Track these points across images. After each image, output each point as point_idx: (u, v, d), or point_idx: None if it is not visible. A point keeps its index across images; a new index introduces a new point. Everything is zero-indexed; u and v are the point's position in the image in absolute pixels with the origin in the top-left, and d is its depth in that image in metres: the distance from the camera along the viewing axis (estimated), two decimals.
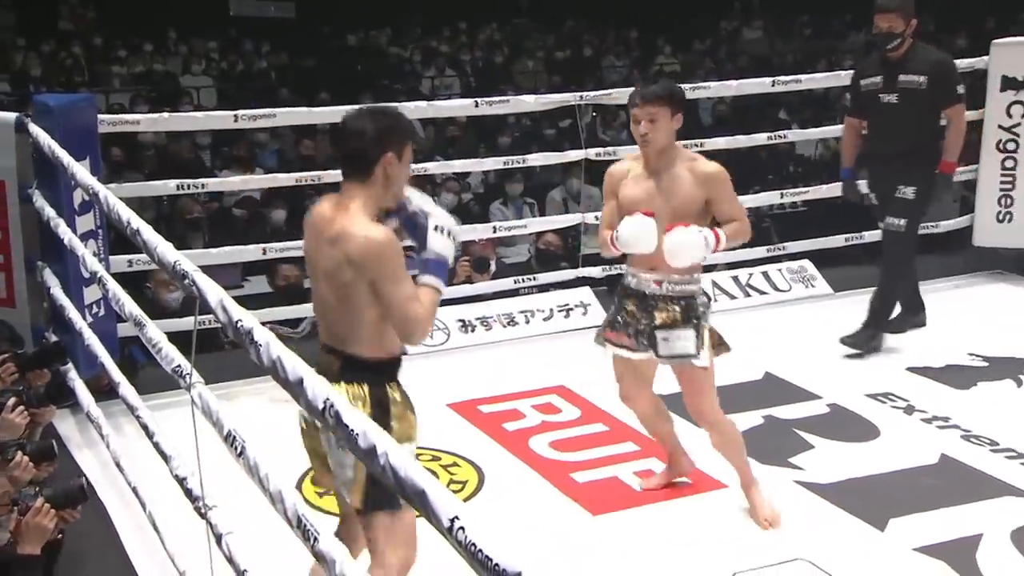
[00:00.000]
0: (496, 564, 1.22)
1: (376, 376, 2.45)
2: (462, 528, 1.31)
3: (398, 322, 2.41)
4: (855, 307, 5.41)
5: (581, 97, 5.48)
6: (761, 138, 6.03)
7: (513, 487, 3.78)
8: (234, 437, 2.23)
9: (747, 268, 5.78)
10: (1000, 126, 5.66)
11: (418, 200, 2.53)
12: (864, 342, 4.83)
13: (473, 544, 1.27)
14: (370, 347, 2.44)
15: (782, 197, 6.23)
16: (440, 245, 2.48)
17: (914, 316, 5.01)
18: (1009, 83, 5.61)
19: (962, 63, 5.89)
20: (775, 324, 5.36)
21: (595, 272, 5.63)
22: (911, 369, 4.68)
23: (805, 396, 4.43)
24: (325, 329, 2.53)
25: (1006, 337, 5.01)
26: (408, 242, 2.54)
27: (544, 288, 5.60)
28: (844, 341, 4.83)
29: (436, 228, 2.48)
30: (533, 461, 3.95)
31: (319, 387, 1.72)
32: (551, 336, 5.29)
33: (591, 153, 5.55)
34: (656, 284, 3.26)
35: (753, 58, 12.52)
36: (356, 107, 2.56)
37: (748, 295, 5.65)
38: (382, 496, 2.39)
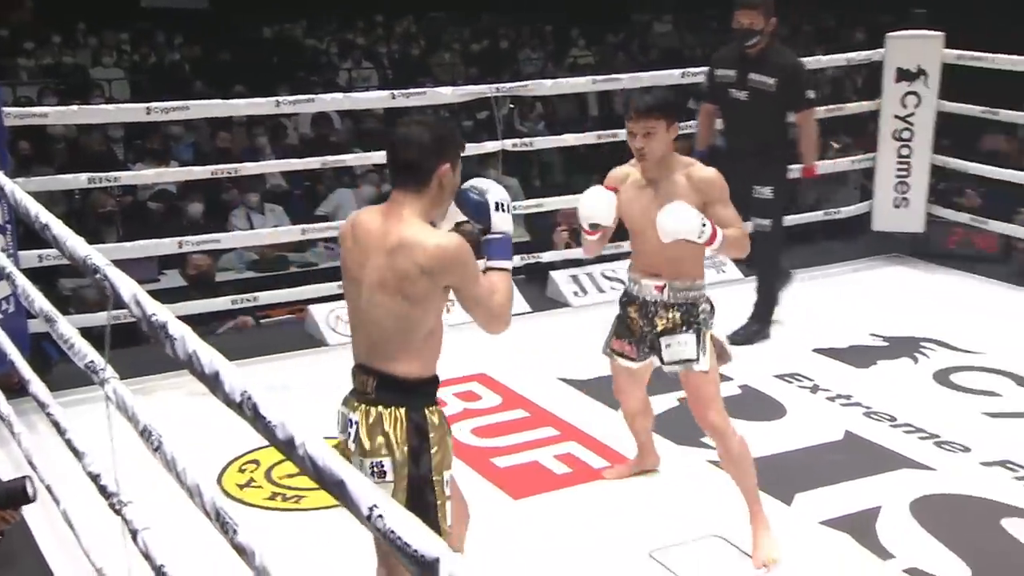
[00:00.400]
0: (415, 550, 1.21)
1: (415, 399, 2.34)
2: (381, 516, 1.30)
3: (484, 319, 2.39)
4: None
5: (497, 89, 5.47)
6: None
7: None
8: (150, 432, 2.18)
9: (620, 261, 5.82)
10: (896, 116, 5.82)
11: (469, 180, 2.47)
12: (751, 337, 4.87)
13: (392, 531, 1.27)
14: (413, 365, 2.33)
15: None
16: (503, 223, 2.43)
17: (763, 320, 4.97)
18: (903, 74, 5.77)
19: (859, 55, 6.06)
20: None
21: (515, 261, 5.61)
22: (817, 350, 4.79)
23: None
24: (363, 346, 2.38)
25: (903, 318, 5.17)
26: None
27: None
28: (732, 338, 4.72)
29: (497, 206, 2.42)
30: (455, 448, 3.93)
31: (235, 379, 1.69)
32: (472, 325, 5.24)
33: (508, 144, 5.54)
34: (657, 290, 3.16)
35: (664, 51, 12.66)
36: (409, 118, 2.46)
37: (614, 289, 5.66)
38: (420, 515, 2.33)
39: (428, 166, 2.32)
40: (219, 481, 3.68)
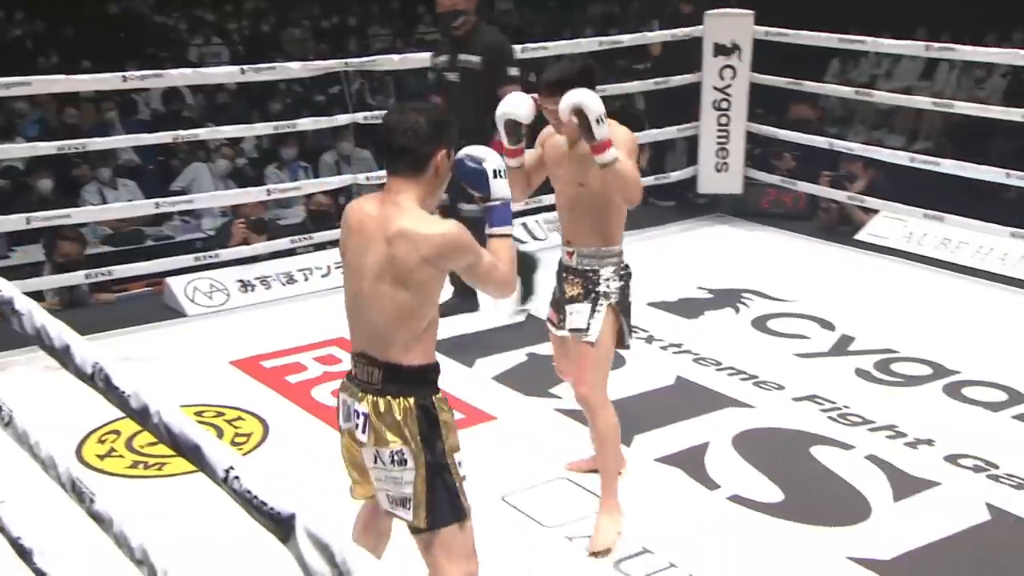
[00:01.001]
0: (271, 508, 1.19)
1: (421, 387, 2.22)
2: (237, 477, 1.27)
3: (493, 290, 2.35)
4: None
5: (347, 64, 5.36)
6: None
7: (298, 435, 3.72)
8: (0, 407, 2.05)
9: None
10: (715, 87, 6.00)
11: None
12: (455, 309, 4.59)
13: (248, 491, 1.24)
14: (416, 354, 2.21)
15: None
16: (502, 189, 2.32)
17: (467, 302, 4.70)
18: (720, 49, 5.94)
19: (681, 31, 6.21)
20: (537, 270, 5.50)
21: None
22: (650, 304, 4.91)
23: None
24: (363, 335, 2.24)
25: (726, 272, 5.37)
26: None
27: (321, 246, 5.49)
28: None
29: (494, 173, 2.31)
30: (316, 410, 3.89)
31: (86, 351, 1.61)
32: (330, 291, 5.20)
33: (359, 117, 5.45)
34: (568, 256, 3.02)
35: (506, 28, 12.66)
36: (401, 103, 2.34)
37: None
38: (446, 509, 2.22)
39: (425, 152, 2.19)
40: (79, 453, 3.52)
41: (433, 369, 2.26)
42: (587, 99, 2.71)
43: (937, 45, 5.93)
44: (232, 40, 11.90)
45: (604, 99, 2.78)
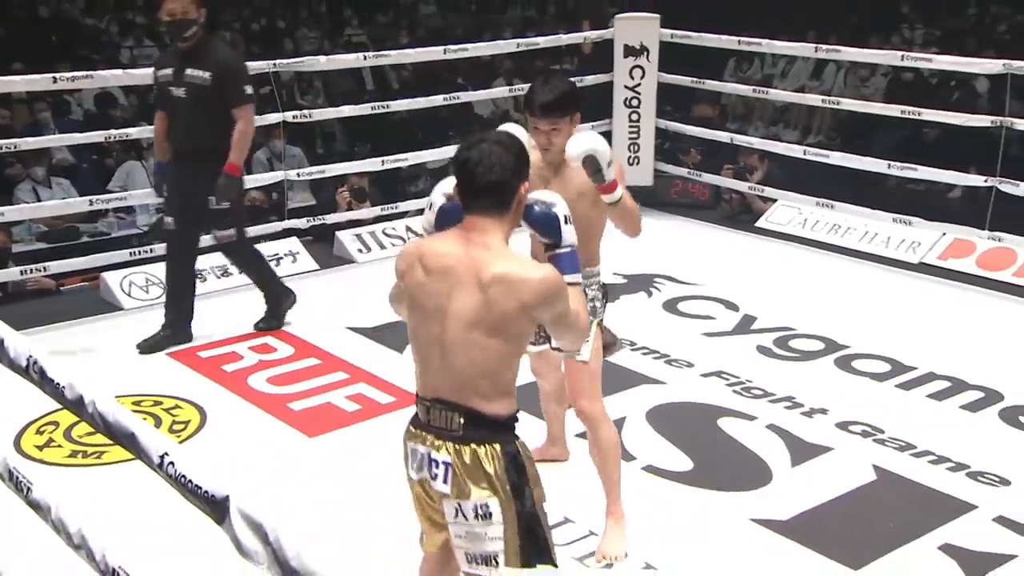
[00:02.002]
0: (205, 491, 1.16)
1: (506, 434, 2.00)
2: (172, 463, 1.24)
3: (571, 340, 2.11)
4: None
5: (275, 65, 5.26)
6: (438, 99, 6.08)
7: (234, 421, 3.65)
8: None
9: (399, 220, 5.82)
10: (625, 86, 6.06)
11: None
12: (271, 320, 4.48)
13: (183, 476, 1.21)
14: (500, 402, 1.98)
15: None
16: (571, 235, 2.07)
17: (278, 307, 4.51)
18: (630, 51, 6.00)
19: (593, 34, 6.25)
20: None
21: (301, 223, 5.49)
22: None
23: None
24: (442, 380, 1.98)
25: (639, 258, 5.41)
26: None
27: (254, 240, 5.37)
28: (258, 326, 4.44)
29: (564, 219, 2.06)
30: (252, 396, 3.82)
31: (20, 344, 1.55)
32: None
33: (288, 116, 5.36)
34: None
35: (429, 30, 12.58)
36: (476, 136, 2.02)
37: (395, 246, 5.64)
38: (536, 549, 2.01)
39: (513, 187, 1.97)
40: (17, 443, 3.39)
41: (515, 416, 2.03)
42: (598, 145, 2.53)
43: (825, 47, 6.08)
44: (164, 42, 11.55)
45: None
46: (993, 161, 5.09)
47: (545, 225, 2.06)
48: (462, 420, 1.96)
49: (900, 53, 6.03)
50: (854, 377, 3.99)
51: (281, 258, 5.27)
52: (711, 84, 6.43)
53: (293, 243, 5.40)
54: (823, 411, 3.66)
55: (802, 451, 3.37)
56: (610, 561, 2.79)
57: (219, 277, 5.05)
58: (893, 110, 5.81)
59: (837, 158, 5.75)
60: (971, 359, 4.06)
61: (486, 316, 1.92)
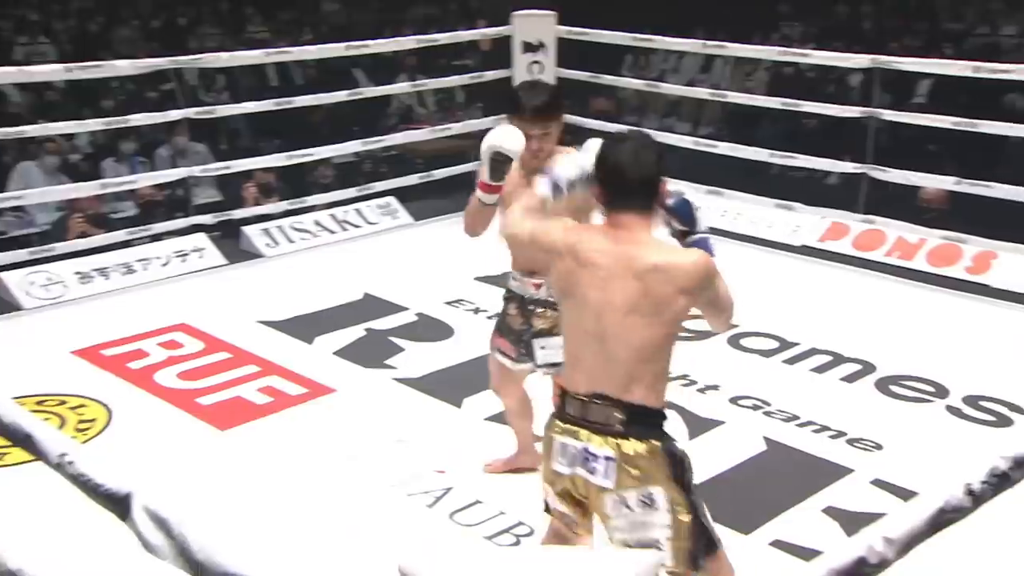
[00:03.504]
0: (106, 488, 1.12)
1: (662, 429, 2.00)
2: (71, 462, 1.19)
3: (722, 321, 2.10)
4: (434, 232, 5.65)
5: (174, 62, 5.08)
6: (342, 95, 5.98)
7: (142, 418, 3.53)
8: None
9: (342, 207, 5.78)
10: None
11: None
12: None
13: (83, 474, 1.16)
14: (657, 394, 1.99)
15: (363, 145, 6.26)
16: (707, 220, 2.09)
17: None
18: (528, 47, 6.02)
19: (492, 30, 6.24)
20: (369, 252, 5.43)
21: (207, 219, 5.34)
22: (477, 279, 4.94)
23: (397, 309, 4.55)
24: (600, 373, 1.97)
25: None
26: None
27: (158, 237, 5.22)
28: None
29: (698, 207, 2.07)
30: (160, 393, 3.71)
31: None
32: (171, 280, 4.96)
33: (191, 112, 5.20)
34: (535, 287, 2.73)
35: (333, 27, 12.34)
36: (620, 135, 2.07)
37: (345, 229, 5.67)
38: (702, 546, 2.01)
39: (658, 184, 2.01)
40: None
41: (666, 413, 2.04)
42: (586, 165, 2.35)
43: (712, 43, 6.23)
44: (59, 39, 11.04)
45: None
46: (865, 149, 5.31)
47: (683, 213, 2.07)
48: (622, 415, 1.96)
49: (779, 49, 6.22)
50: (744, 354, 4.11)
51: (187, 254, 5.12)
52: (607, 79, 6.51)
53: (199, 239, 5.25)
54: (715, 387, 3.76)
55: (697, 425, 3.45)
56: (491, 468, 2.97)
57: (123, 274, 4.88)
58: (775, 102, 6.00)
59: (725, 148, 5.91)
60: (848, 334, 4.24)
61: (643, 302, 1.94)
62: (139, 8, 12.39)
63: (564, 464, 2.02)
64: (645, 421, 1.98)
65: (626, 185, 1.99)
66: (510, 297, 2.84)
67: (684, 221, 2.08)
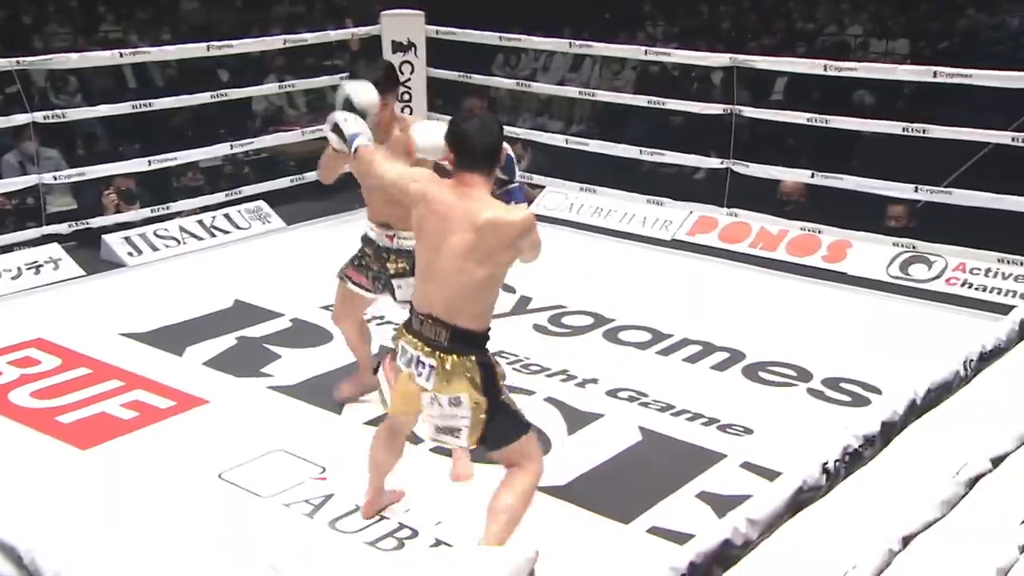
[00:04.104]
0: None
1: (481, 348, 2.47)
2: None
3: (533, 255, 2.51)
4: (307, 236, 5.54)
5: (18, 63, 4.79)
6: (204, 97, 5.78)
7: None
8: None
9: (211, 212, 5.59)
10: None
11: None
12: None
13: None
14: (480, 321, 2.46)
15: (231, 148, 6.08)
16: (517, 170, 2.63)
17: None
18: (398, 46, 5.99)
19: (361, 30, 6.18)
20: (240, 258, 5.27)
21: (62, 229, 5.06)
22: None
23: (270, 315, 4.43)
24: (436, 301, 2.45)
25: None
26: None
27: (8, 248, 4.90)
28: None
29: (516, 162, 2.60)
30: (14, 413, 3.48)
31: None
32: (24, 293, 4.67)
33: (39, 116, 4.91)
34: (388, 239, 3.28)
35: (193, 27, 11.91)
36: (464, 111, 2.51)
37: (214, 235, 5.47)
38: (503, 434, 2.50)
39: (498, 149, 2.47)
40: None
41: (488, 333, 2.51)
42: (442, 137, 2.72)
43: (579, 42, 6.36)
44: None
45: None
46: (728, 145, 5.54)
47: (508, 167, 2.58)
48: (448, 334, 2.43)
49: (644, 48, 6.41)
50: (620, 347, 4.21)
51: (41, 266, 4.84)
52: (477, 78, 6.54)
53: (54, 249, 4.97)
54: (594, 381, 3.84)
55: (577, 419, 3.51)
56: (462, 477, 3.10)
57: None
58: (641, 100, 6.17)
59: (595, 145, 6.04)
60: (718, 323, 4.40)
61: (478, 251, 2.39)
62: None
63: (403, 362, 2.53)
64: (466, 340, 2.45)
65: (473, 150, 2.44)
66: (366, 242, 3.39)
67: (506, 172, 2.58)
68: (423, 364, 2.47)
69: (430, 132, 2.68)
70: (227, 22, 12.00)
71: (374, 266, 3.37)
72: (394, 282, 3.31)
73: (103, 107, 5.79)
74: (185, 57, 6.66)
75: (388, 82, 3.14)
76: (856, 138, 7.01)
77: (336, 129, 2.72)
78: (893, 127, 5.26)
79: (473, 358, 2.45)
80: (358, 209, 6.03)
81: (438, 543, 2.80)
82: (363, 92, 2.85)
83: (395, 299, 3.33)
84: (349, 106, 2.81)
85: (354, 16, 7.07)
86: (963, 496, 1.60)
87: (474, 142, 2.43)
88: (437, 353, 2.45)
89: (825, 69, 5.22)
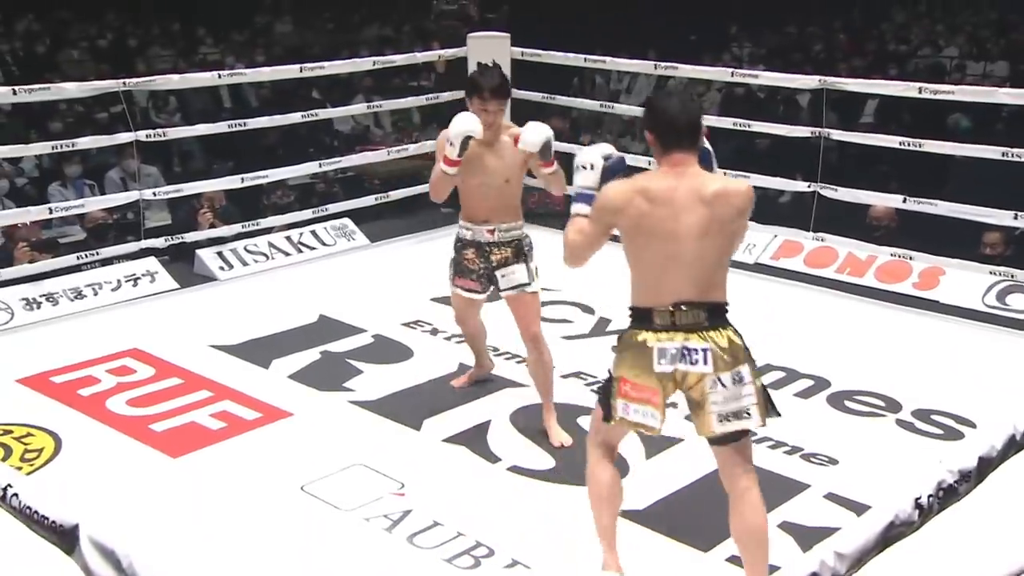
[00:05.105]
0: (52, 521, 1.10)
1: (728, 318, 2.48)
2: (15, 494, 1.16)
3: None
4: (390, 253, 5.64)
5: (124, 84, 5.02)
6: (295, 117, 5.95)
7: (92, 447, 3.44)
8: None
9: (298, 228, 5.75)
10: None
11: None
12: None
13: (28, 507, 1.13)
14: (725, 292, 2.47)
15: (320, 167, 6.23)
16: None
17: None
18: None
19: (448, 52, 6.24)
20: (325, 274, 5.40)
21: (159, 243, 5.27)
22: (434, 299, 4.88)
23: (353, 331, 4.51)
24: (685, 286, 2.41)
25: None
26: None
27: (108, 261, 5.13)
28: None
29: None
30: (111, 420, 3.63)
31: None
32: (122, 304, 4.87)
33: (142, 135, 5.13)
34: (488, 233, 3.46)
35: (287, 48, 12.30)
36: (666, 91, 2.39)
37: (301, 251, 5.63)
38: (771, 402, 2.50)
39: (699, 125, 2.47)
40: None
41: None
42: (550, 133, 3.36)
43: (663, 64, 6.32)
44: (5, 62, 10.85)
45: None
46: (815, 168, 5.42)
47: (704, 157, 2.56)
48: (706, 313, 2.41)
49: (730, 70, 6.33)
50: None
51: (139, 278, 5.05)
52: (560, 100, 6.57)
53: (151, 263, 5.17)
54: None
55: (655, 443, 3.46)
56: (563, 443, 3.41)
57: (72, 300, 4.78)
58: (726, 122, 6.09)
59: None
60: (802, 350, 4.30)
61: (713, 222, 2.38)
62: (87, 30, 12.26)
63: (666, 363, 2.44)
64: (721, 314, 2.44)
65: (680, 128, 2.42)
66: (464, 245, 3.54)
67: (705, 162, 2.55)
68: (694, 351, 2.41)
69: (537, 130, 3.29)
70: (319, 44, 12.37)
71: (478, 264, 3.51)
72: (497, 273, 3.47)
73: (201, 126, 6.02)
74: (278, 78, 6.87)
75: (504, 89, 3.41)
76: (950, 162, 6.77)
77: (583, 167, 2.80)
78: (991, 151, 5.06)
79: (732, 328, 2.46)
80: (439, 228, 6.19)
81: (514, 563, 2.79)
82: (476, 125, 3.28)
83: (500, 289, 3.49)
84: (468, 139, 3.25)
85: (441, 39, 7.19)
86: None
87: (677, 119, 2.43)
88: (706, 334, 2.42)
89: (920, 92, 5.07)
